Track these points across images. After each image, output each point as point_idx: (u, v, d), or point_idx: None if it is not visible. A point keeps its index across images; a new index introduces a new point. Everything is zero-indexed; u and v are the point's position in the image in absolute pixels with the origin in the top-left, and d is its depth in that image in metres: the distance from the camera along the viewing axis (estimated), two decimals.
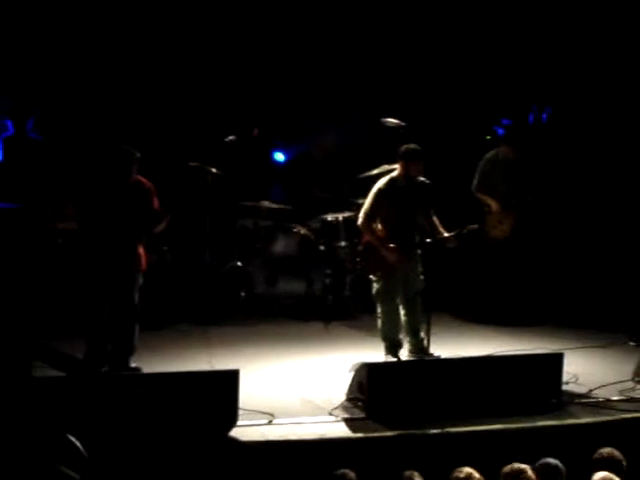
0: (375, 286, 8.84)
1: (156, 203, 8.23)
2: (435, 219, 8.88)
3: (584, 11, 12.08)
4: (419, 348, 8.79)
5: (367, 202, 8.86)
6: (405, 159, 8.75)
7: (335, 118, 11.82)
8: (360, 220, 8.89)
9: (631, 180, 11.87)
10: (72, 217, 8.89)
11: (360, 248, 9.16)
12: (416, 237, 8.82)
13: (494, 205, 10.54)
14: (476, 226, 9.07)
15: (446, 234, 8.78)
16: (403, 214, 8.74)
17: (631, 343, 9.63)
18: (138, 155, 8.11)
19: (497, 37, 12.31)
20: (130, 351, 8.14)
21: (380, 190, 8.80)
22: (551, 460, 5.81)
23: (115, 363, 8.05)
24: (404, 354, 8.86)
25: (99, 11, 11.40)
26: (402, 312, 8.82)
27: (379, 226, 8.78)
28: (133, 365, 8.13)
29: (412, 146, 8.77)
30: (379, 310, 8.83)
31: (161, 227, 8.36)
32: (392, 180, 8.82)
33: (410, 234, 8.79)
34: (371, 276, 8.91)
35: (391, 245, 8.65)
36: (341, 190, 11.25)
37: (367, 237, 8.86)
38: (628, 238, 11.62)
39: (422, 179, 8.88)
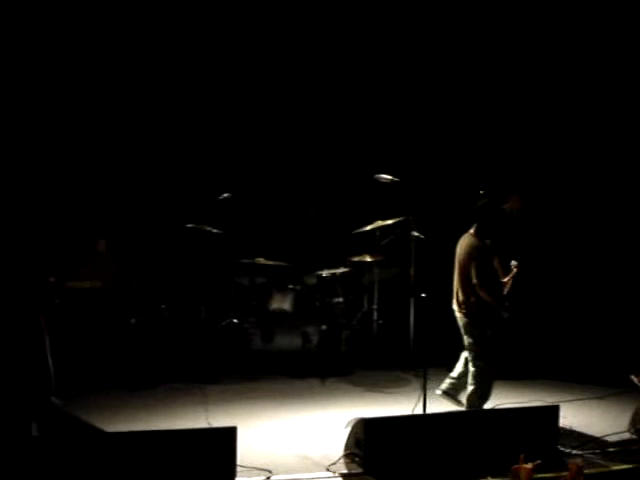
0: (478, 346, 8.72)
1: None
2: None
3: (568, 72, 12.27)
4: (458, 391, 8.83)
5: (471, 262, 8.63)
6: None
7: (328, 174, 11.91)
8: (475, 280, 8.61)
9: (618, 237, 11.99)
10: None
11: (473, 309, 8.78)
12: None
13: None
14: (516, 262, 8.94)
15: (504, 280, 8.78)
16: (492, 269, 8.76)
17: None
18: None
19: (490, 99, 12.46)
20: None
21: (477, 247, 8.67)
22: None
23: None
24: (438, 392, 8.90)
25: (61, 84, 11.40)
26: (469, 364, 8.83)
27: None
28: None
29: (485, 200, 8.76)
30: (478, 370, 8.71)
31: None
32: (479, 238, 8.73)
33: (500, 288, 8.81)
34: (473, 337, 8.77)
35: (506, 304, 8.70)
36: (336, 245, 11.30)
37: (483, 296, 8.63)
38: (622, 291, 11.70)
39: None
